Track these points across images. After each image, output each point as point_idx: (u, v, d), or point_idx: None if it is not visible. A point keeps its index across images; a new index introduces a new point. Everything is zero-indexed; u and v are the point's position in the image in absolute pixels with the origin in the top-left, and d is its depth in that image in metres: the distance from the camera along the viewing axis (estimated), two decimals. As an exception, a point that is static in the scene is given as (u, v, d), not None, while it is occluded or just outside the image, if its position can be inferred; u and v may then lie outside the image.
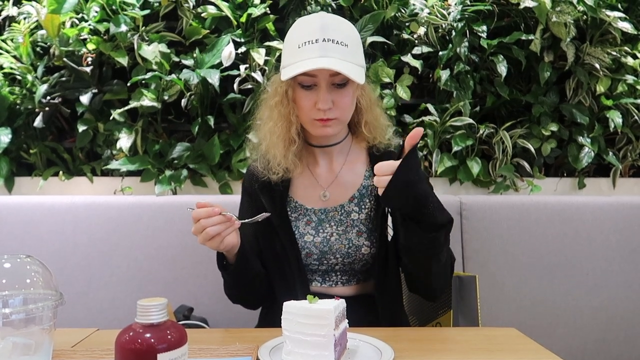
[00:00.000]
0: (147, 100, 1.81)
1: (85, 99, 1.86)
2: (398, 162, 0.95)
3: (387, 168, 0.95)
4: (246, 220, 1.06)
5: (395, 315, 1.24)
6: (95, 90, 1.89)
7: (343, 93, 1.11)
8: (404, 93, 1.85)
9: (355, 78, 1.06)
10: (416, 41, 1.90)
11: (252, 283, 1.17)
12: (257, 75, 1.81)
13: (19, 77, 1.91)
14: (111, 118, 1.86)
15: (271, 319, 1.21)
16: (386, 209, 1.19)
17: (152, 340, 0.62)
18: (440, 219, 1.03)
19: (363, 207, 1.21)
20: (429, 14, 1.86)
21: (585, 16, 1.86)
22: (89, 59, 1.90)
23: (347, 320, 0.89)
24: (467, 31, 1.87)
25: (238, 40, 1.84)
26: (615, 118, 1.85)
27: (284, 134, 1.17)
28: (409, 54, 1.87)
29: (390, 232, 1.20)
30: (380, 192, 0.97)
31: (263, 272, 1.20)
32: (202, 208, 1.01)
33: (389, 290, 1.21)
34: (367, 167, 1.25)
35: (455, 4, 1.87)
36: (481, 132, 1.88)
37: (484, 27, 1.85)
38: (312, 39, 1.07)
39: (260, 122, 1.24)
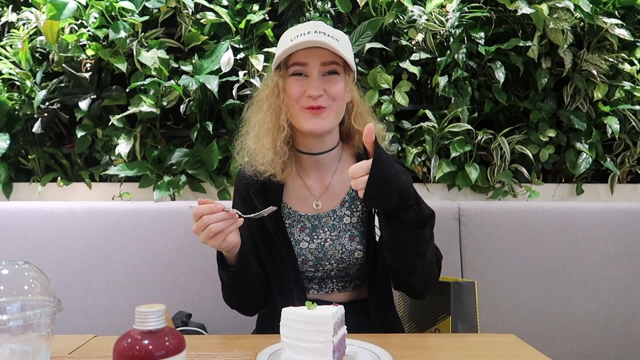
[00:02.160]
0: (145, 106, 1.81)
1: (84, 104, 1.86)
2: (371, 161, 0.92)
3: (361, 168, 0.92)
4: (251, 215, 1.05)
5: (388, 317, 1.24)
6: (94, 96, 1.89)
7: (334, 81, 1.13)
8: (402, 99, 1.85)
9: (346, 58, 1.10)
10: (414, 47, 1.90)
11: (251, 285, 1.17)
12: (256, 82, 1.81)
13: (17, 83, 1.91)
14: (110, 124, 1.86)
15: (269, 326, 1.20)
16: (373, 209, 1.19)
17: (150, 346, 0.62)
18: (425, 211, 1.02)
19: (355, 210, 1.21)
20: (427, 20, 1.87)
21: (582, 23, 1.87)
22: (88, 65, 1.90)
23: (345, 327, 0.89)
24: (465, 38, 1.88)
25: (237, 46, 1.85)
26: (613, 124, 1.86)
27: (272, 123, 1.16)
28: (407, 61, 1.88)
29: (378, 232, 1.20)
30: (360, 194, 0.94)
31: (262, 275, 1.20)
32: (204, 205, 0.99)
33: (380, 292, 1.21)
34: None
35: (453, 11, 1.88)
36: (479, 138, 1.89)
37: (482, 34, 1.86)
38: (304, 32, 1.10)
39: (249, 115, 1.24)
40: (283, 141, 1.16)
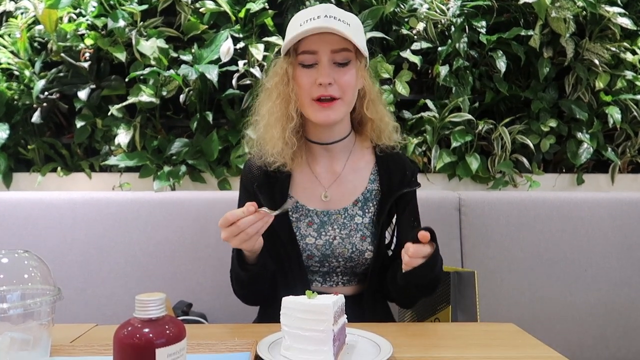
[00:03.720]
0: (145, 96, 1.80)
1: (83, 94, 1.85)
2: (429, 249, 0.99)
3: (420, 252, 0.99)
4: (278, 211, 1.01)
5: (383, 312, 1.25)
6: (93, 86, 1.88)
7: (345, 71, 1.10)
8: (403, 89, 1.84)
9: (358, 44, 1.07)
10: (415, 37, 1.89)
11: (269, 281, 1.16)
12: (256, 71, 1.80)
13: (16, 73, 1.90)
14: (109, 114, 1.85)
15: (270, 315, 1.20)
16: (393, 216, 1.20)
17: (151, 335, 0.62)
18: (438, 289, 1.16)
19: (367, 211, 1.20)
20: (428, 9, 1.85)
21: (584, 12, 1.86)
22: (87, 55, 1.89)
23: (345, 316, 0.89)
24: (467, 27, 1.87)
25: (236, 35, 1.84)
26: (614, 114, 1.85)
27: (282, 113, 1.14)
28: (408, 50, 1.87)
29: (387, 236, 1.21)
30: (406, 268, 1.02)
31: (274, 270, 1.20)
32: (237, 210, 0.98)
33: (380, 290, 1.21)
34: (372, 169, 1.23)
35: (455, 0, 1.86)
36: (480, 128, 1.88)
37: (483, 23, 1.85)
38: (314, 16, 1.07)
39: (258, 104, 1.22)
40: (292, 131, 1.15)
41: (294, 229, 1.17)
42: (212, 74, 1.73)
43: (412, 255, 0.99)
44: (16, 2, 1.90)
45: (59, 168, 1.94)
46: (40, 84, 1.84)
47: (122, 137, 1.83)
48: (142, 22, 1.84)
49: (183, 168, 1.85)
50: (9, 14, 1.92)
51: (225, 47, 1.79)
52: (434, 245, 1.01)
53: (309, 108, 1.12)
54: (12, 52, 1.89)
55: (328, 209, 1.19)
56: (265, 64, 1.80)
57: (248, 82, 1.84)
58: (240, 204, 1.27)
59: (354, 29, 1.10)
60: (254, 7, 1.80)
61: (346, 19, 1.09)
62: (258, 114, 1.21)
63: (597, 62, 1.85)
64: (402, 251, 1.01)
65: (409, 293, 1.14)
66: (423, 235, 0.97)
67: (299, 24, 1.09)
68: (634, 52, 1.89)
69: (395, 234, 1.21)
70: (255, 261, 1.10)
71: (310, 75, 1.10)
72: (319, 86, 1.09)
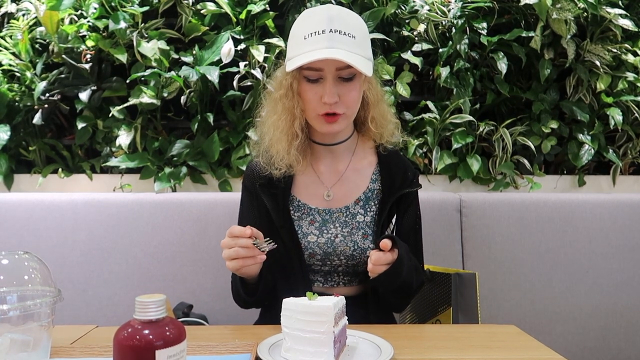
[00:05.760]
0: (146, 97, 1.80)
1: (84, 96, 1.85)
2: (391, 257, 1.04)
3: (382, 260, 1.03)
4: (265, 248, 1.03)
5: (385, 313, 1.25)
6: (94, 87, 1.88)
7: (350, 87, 1.10)
8: (403, 90, 1.84)
9: (363, 69, 1.05)
10: (416, 38, 1.89)
11: (267, 295, 1.17)
12: (257, 72, 1.80)
13: (17, 74, 1.90)
14: (110, 115, 1.85)
15: (271, 316, 1.20)
16: (393, 216, 1.20)
17: (151, 336, 0.62)
18: (414, 290, 1.17)
19: (368, 210, 1.20)
20: (429, 11, 1.85)
21: (585, 13, 1.86)
22: (88, 56, 1.89)
23: (346, 317, 0.89)
24: (467, 28, 1.87)
25: (237, 37, 1.84)
26: (616, 115, 1.85)
27: (287, 128, 1.15)
28: (409, 51, 1.87)
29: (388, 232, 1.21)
30: (371, 275, 1.07)
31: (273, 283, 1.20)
32: (237, 228, 1.01)
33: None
34: (374, 168, 1.24)
35: (456, 1, 1.86)
36: (481, 129, 1.88)
37: (484, 24, 1.85)
38: (318, 30, 1.06)
39: (263, 116, 1.22)
40: (297, 148, 1.16)
41: (295, 228, 1.17)
42: (213, 75, 1.73)
43: (375, 262, 1.03)
44: (17, 4, 1.90)
45: (60, 169, 1.94)
46: (41, 85, 1.84)
47: (123, 138, 1.83)
48: (143, 24, 1.84)
49: (184, 169, 1.85)
50: (10, 16, 1.92)
51: (226, 48, 1.79)
52: (395, 252, 1.05)
53: (314, 121, 1.14)
54: (13, 53, 1.89)
55: (330, 207, 1.19)
56: (266, 65, 1.80)
57: (249, 83, 1.84)
58: (242, 204, 1.27)
59: (360, 40, 1.08)
60: (255, 8, 1.80)
61: (352, 29, 1.07)
62: (264, 124, 1.21)
63: (598, 63, 1.85)
64: (368, 259, 1.05)
65: (387, 297, 1.16)
66: (384, 243, 1.02)
67: (303, 36, 1.07)
68: (635, 54, 1.89)
69: (393, 234, 1.21)
70: (252, 281, 1.12)
71: (316, 92, 1.09)
72: (324, 104, 1.08)
